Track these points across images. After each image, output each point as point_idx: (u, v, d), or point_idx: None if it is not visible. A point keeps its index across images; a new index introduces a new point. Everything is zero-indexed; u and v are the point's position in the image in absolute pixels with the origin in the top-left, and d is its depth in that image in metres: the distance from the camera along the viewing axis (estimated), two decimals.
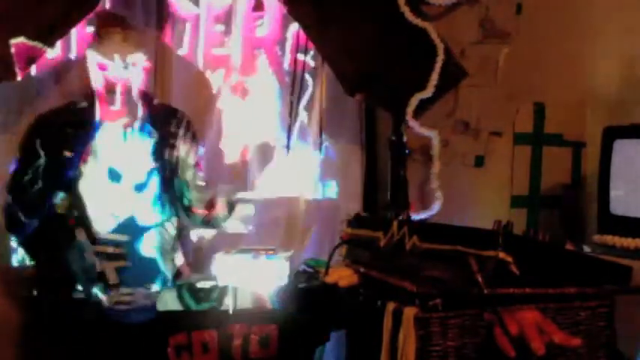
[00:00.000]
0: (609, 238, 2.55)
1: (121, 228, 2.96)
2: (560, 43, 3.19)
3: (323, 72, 3.43)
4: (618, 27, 2.95)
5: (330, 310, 2.43)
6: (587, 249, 2.46)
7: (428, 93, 2.99)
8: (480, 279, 1.41)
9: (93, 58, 2.86)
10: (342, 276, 1.76)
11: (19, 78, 2.90)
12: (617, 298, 1.61)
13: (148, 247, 3.04)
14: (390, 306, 1.55)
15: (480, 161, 3.24)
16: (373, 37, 3.04)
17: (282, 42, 3.46)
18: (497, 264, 1.45)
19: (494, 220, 1.57)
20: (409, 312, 1.48)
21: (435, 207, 3.07)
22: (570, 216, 3.17)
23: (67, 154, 2.85)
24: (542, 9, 3.27)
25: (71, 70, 3.27)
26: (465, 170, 3.26)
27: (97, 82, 2.87)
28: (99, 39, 2.87)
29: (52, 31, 2.90)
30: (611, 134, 2.64)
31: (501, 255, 1.45)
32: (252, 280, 2.94)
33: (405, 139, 3.17)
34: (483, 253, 1.46)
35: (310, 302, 2.95)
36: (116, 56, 2.83)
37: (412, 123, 3.03)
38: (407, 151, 3.19)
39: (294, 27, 3.40)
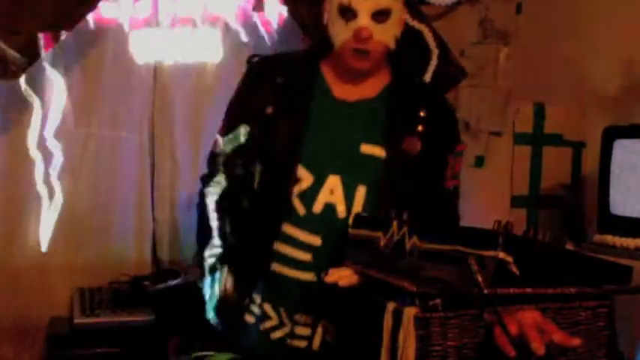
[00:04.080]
0: (609, 238, 2.55)
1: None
2: (560, 43, 3.19)
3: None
4: (618, 27, 2.95)
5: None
6: (587, 249, 2.46)
7: None
8: (480, 279, 1.41)
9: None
10: (342, 276, 1.76)
11: (19, 77, 2.90)
12: (617, 298, 1.61)
13: None
14: (390, 306, 1.54)
15: (480, 161, 3.24)
16: None
17: None
18: (497, 264, 1.45)
19: (494, 220, 1.57)
20: (409, 312, 1.48)
21: None
22: (570, 216, 3.17)
23: None
24: (542, 9, 3.27)
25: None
26: (465, 170, 3.25)
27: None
28: None
29: (51, 31, 2.89)
30: (611, 134, 2.64)
31: (501, 255, 1.45)
32: None
33: None
34: (483, 253, 1.46)
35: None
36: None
37: None
38: None
39: None
